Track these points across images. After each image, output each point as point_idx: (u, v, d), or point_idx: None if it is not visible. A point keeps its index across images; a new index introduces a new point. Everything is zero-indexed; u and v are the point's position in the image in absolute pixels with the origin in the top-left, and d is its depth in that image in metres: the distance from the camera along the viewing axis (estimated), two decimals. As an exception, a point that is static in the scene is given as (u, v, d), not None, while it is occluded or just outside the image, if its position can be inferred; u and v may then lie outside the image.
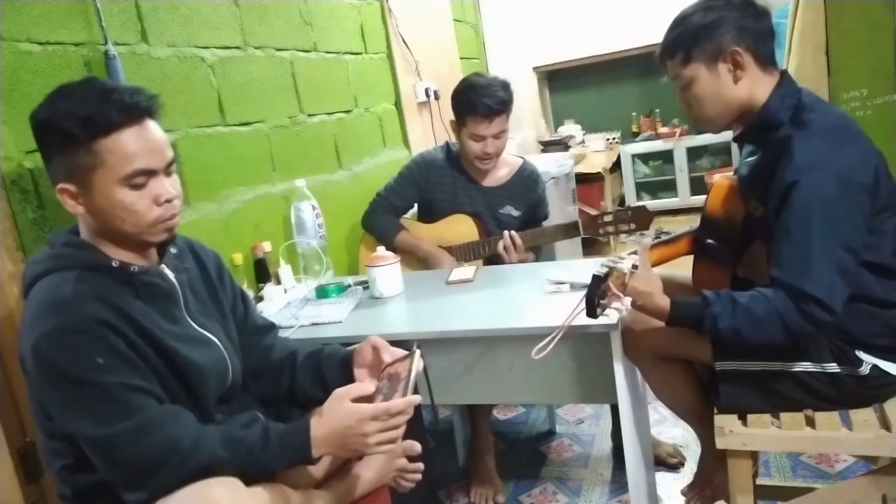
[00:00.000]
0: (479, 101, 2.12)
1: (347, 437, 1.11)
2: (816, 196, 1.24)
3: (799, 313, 1.22)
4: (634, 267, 1.36)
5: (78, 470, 1.10)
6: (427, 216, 2.34)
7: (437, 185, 2.30)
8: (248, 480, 1.09)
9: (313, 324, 1.71)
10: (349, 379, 1.31)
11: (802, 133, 1.30)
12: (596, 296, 1.28)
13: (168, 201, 1.14)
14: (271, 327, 1.46)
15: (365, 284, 1.94)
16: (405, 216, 2.39)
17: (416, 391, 1.15)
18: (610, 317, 1.38)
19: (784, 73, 1.40)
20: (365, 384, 1.20)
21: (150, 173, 1.12)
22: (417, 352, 1.22)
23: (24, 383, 1.32)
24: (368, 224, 2.34)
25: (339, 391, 1.16)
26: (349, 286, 1.94)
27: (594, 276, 1.29)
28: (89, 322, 1.05)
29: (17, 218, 1.32)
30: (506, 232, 2.10)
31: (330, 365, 1.35)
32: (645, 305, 1.35)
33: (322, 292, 1.92)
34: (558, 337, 1.35)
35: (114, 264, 1.13)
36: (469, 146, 2.19)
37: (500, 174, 2.31)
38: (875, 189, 1.28)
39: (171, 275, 1.22)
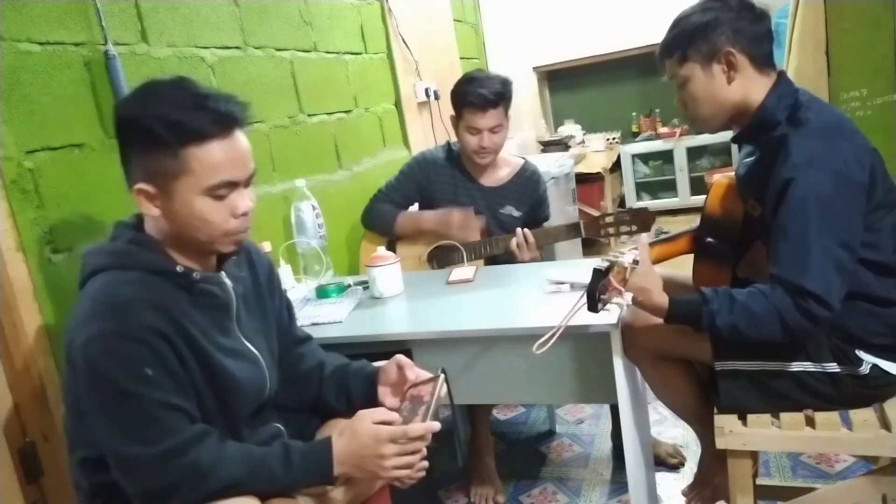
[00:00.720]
0: (474, 91, 2.13)
1: (365, 458, 1.11)
2: (812, 193, 1.24)
3: (797, 309, 1.23)
4: (635, 262, 1.36)
5: (100, 467, 1.09)
6: None
7: (437, 183, 2.30)
8: (263, 498, 1.09)
9: (313, 324, 1.71)
10: (374, 396, 1.32)
11: (798, 131, 1.31)
12: (597, 290, 1.28)
13: (244, 214, 1.13)
14: (308, 339, 1.46)
15: (365, 284, 1.94)
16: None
17: (436, 417, 1.14)
18: (611, 312, 1.38)
19: (781, 74, 1.41)
20: (390, 412, 1.18)
21: (233, 185, 1.10)
22: (442, 376, 1.22)
23: (25, 384, 1.33)
24: (367, 218, 2.34)
25: (363, 412, 1.16)
26: (349, 286, 1.94)
27: (595, 270, 1.29)
28: (146, 331, 1.04)
29: (17, 218, 1.32)
30: (519, 229, 2.10)
31: (356, 381, 1.35)
32: (643, 302, 1.36)
33: (322, 292, 1.92)
34: (560, 332, 1.35)
35: (178, 269, 1.12)
36: (466, 139, 2.20)
37: (501, 174, 2.31)
38: (871, 186, 1.28)
39: (229, 284, 1.21)
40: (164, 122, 1.04)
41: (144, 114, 1.05)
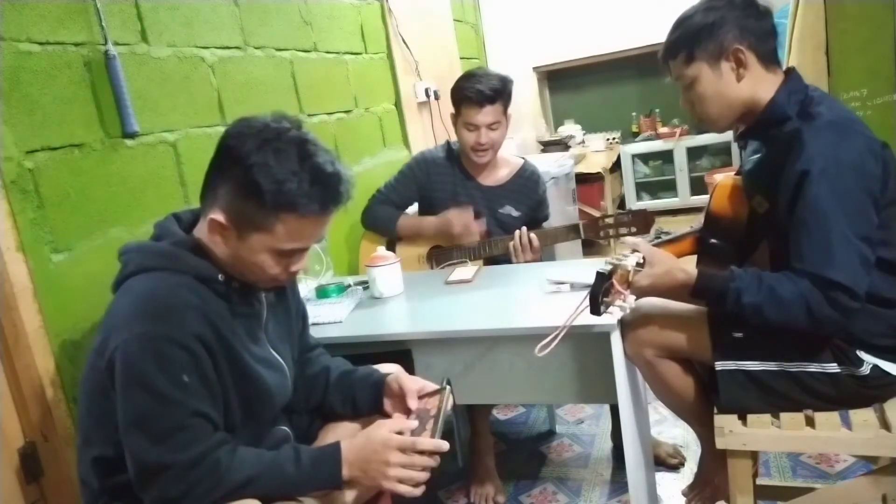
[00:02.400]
0: (472, 87, 2.14)
1: (370, 462, 1.11)
2: (830, 185, 1.23)
3: (826, 301, 1.21)
4: (639, 265, 1.36)
5: (114, 468, 1.10)
6: (428, 215, 2.34)
7: (437, 183, 2.30)
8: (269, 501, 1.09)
9: (313, 324, 1.70)
10: (379, 404, 1.33)
11: (811, 125, 1.30)
12: (600, 293, 1.28)
13: (296, 272, 1.16)
14: (317, 346, 1.48)
15: (365, 284, 1.94)
16: (405, 213, 2.39)
17: (444, 432, 1.16)
18: (613, 314, 1.38)
19: (791, 71, 1.41)
20: (407, 422, 1.20)
21: (302, 251, 1.14)
22: (448, 388, 1.23)
23: (25, 384, 1.33)
24: (368, 218, 2.34)
25: (382, 421, 1.18)
26: (349, 286, 1.94)
27: (598, 274, 1.29)
28: (191, 338, 1.05)
29: (17, 218, 1.32)
30: (523, 229, 2.10)
31: (362, 389, 1.36)
32: (669, 284, 1.35)
33: (322, 292, 1.92)
34: (562, 334, 1.34)
35: (220, 278, 1.14)
36: (464, 136, 2.19)
37: (500, 174, 2.31)
38: (884, 179, 1.28)
39: (263, 294, 1.23)
40: (276, 185, 1.04)
41: (258, 165, 1.05)
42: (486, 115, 2.14)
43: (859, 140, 1.27)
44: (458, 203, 2.27)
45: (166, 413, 1.03)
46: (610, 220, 2.02)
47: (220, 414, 1.11)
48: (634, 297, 1.34)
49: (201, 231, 1.16)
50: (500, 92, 2.15)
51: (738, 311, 1.29)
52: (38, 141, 1.37)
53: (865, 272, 1.23)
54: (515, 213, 2.27)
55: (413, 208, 2.41)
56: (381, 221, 2.30)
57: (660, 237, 1.72)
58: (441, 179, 2.29)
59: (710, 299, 1.34)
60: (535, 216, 2.31)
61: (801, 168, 1.26)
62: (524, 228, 2.10)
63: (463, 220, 2.16)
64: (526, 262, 2.08)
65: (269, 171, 1.05)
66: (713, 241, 1.58)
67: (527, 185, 2.31)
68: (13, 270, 1.30)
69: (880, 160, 1.28)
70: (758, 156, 1.47)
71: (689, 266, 1.40)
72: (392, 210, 2.31)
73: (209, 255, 1.15)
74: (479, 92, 2.12)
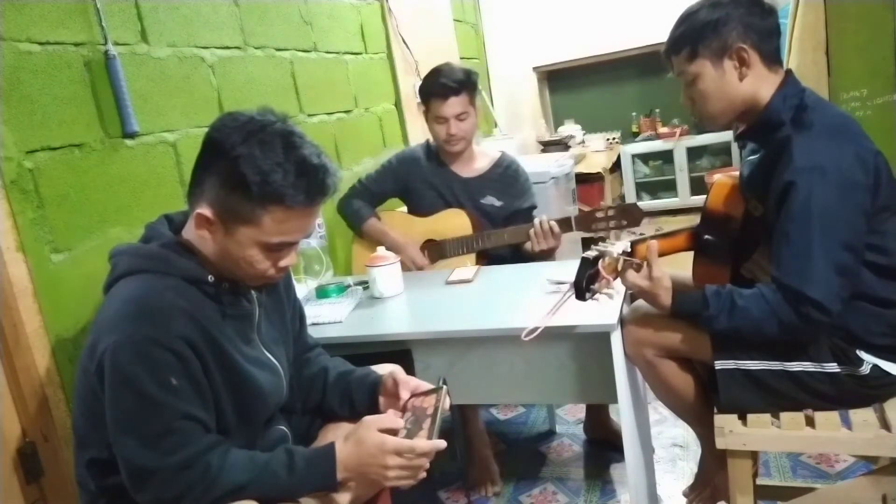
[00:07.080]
0: (437, 82, 2.22)
1: (368, 465, 1.11)
2: (814, 197, 1.24)
3: (795, 314, 1.25)
4: (626, 253, 1.37)
5: (109, 470, 1.10)
6: (418, 210, 2.36)
7: (416, 175, 2.34)
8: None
9: (313, 324, 1.71)
10: (376, 404, 1.33)
11: (802, 134, 1.31)
12: (584, 279, 1.28)
13: (284, 268, 1.16)
14: (315, 346, 1.48)
15: (365, 284, 1.94)
16: (402, 210, 2.41)
17: (441, 431, 1.15)
18: (599, 301, 1.38)
19: (789, 73, 1.41)
20: (396, 419, 1.19)
21: (290, 245, 1.14)
22: (444, 388, 1.22)
23: (25, 384, 1.33)
24: (342, 209, 2.37)
25: (368, 419, 1.16)
26: (349, 286, 1.94)
27: (583, 259, 1.29)
28: (177, 341, 1.04)
29: (17, 218, 1.32)
30: (538, 219, 2.10)
31: (359, 389, 1.36)
32: (650, 303, 1.42)
33: (322, 292, 1.93)
34: (549, 319, 1.34)
35: (209, 279, 1.13)
36: (435, 129, 2.26)
37: (478, 165, 2.35)
38: (875, 187, 1.28)
39: (254, 295, 1.23)
40: (261, 175, 1.04)
41: (245, 157, 1.04)
42: (452, 106, 2.20)
43: (848, 150, 1.28)
44: (439, 194, 2.30)
45: (155, 416, 1.02)
46: (601, 214, 2.03)
47: (211, 416, 1.10)
48: (628, 289, 1.35)
49: (189, 230, 1.15)
50: (464, 83, 2.22)
51: (714, 332, 1.36)
52: (38, 141, 1.37)
53: (843, 283, 1.26)
54: (498, 203, 2.31)
55: (403, 208, 2.44)
56: (352, 214, 2.33)
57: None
58: (420, 172, 2.34)
59: (688, 320, 1.40)
60: (518, 205, 2.32)
61: (787, 178, 1.27)
62: (544, 216, 2.11)
63: (412, 259, 2.22)
64: (548, 248, 2.06)
65: (255, 162, 1.04)
66: (707, 237, 1.58)
67: (506, 174, 2.34)
68: (13, 270, 1.30)
69: (871, 168, 1.28)
70: (755, 157, 1.47)
71: (684, 273, 1.41)
72: (366, 207, 2.33)
73: (198, 255, 1.15)
74: (442, 85, 2.20)
